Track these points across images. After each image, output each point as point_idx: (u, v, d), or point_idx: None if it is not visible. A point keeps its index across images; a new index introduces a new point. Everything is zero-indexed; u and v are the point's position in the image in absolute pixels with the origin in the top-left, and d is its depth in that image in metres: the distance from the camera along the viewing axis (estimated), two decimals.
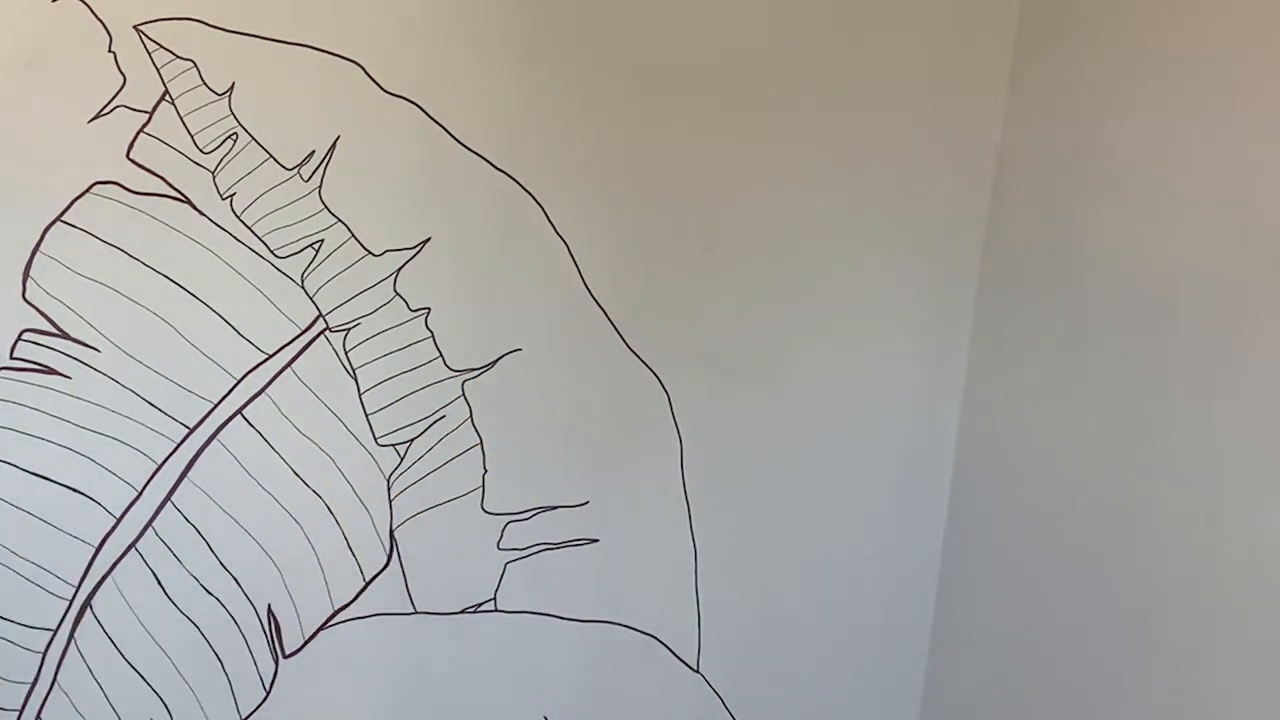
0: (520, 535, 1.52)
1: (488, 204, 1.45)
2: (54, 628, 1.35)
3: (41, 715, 1.35)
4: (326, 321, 1.40)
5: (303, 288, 1.38)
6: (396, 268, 1.42)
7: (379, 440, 1.43)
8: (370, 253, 1.40)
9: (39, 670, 1.35)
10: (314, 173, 1.36)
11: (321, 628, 1.44)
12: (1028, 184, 1.66)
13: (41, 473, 1.33)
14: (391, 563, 1.46)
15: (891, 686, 1.77)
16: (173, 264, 1.32)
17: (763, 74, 1.56)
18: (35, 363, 1.31)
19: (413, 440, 1.45)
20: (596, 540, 1.57)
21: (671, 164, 1.53)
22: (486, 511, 1.50)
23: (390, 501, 1.45)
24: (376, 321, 1.42)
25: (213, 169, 1.32)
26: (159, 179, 1.31)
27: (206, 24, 1.29)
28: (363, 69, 1.36)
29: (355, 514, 1.44)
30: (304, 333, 1.39)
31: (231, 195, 1.33)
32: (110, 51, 1.26)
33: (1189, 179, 1.43)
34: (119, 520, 1.35)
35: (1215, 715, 1.36)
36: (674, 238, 1.55)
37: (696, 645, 1.64)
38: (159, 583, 1.37)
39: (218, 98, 1.31)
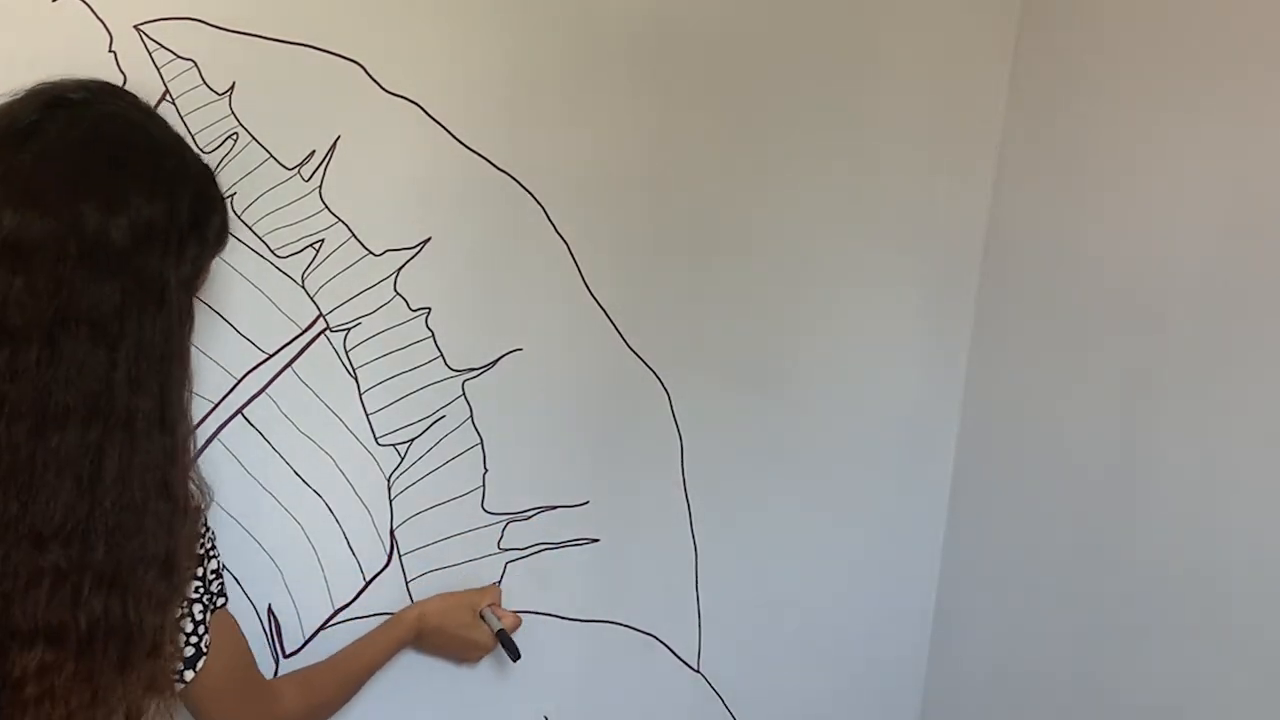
0: (521, 535, 1.52)
1: (488, 204, 1.45)
2: None
3: None
4: (327, 321, 1.40)
5: (303, 287, 1.38)
6: (396, 268, 1.41)
7: (379, 440, 1.43)
8: (370, 252, 1.40)
9: None
10: (314, 173, 1.36)
11: (321, 628, 1.44)
12: (1028, 184, 1.66)
13: None
14: (391, 563, 1.46)
15: (891, 686, 1.77)
16: None
17: (762, 74, 1.56)
18: None
19: (413, 440, 1.45)
20: (597, 540, 1.57)
21: (672, 163, 1.53)
22: (487, 511, 1.50)
23: (390, 501, 1.45)
24: (377, 321, 1.42)
25: (213, 169, 1.31)
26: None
27: (207, 24, 1.29)
28: (363, 69, 1.36)
29: (355, 514, 1.44)
30: (304, 332, 1.39)
31: (231, 195, 1.33)
32: (110, 51, 1.26)
33: (1190, 179, 1.43)
34: None
35: (1217, 716, 1.36)
36: (674, 237, 1.55)
37: (697, 645, 1.64)
38: None
39: (218, 98, 1.31)
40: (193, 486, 1.10)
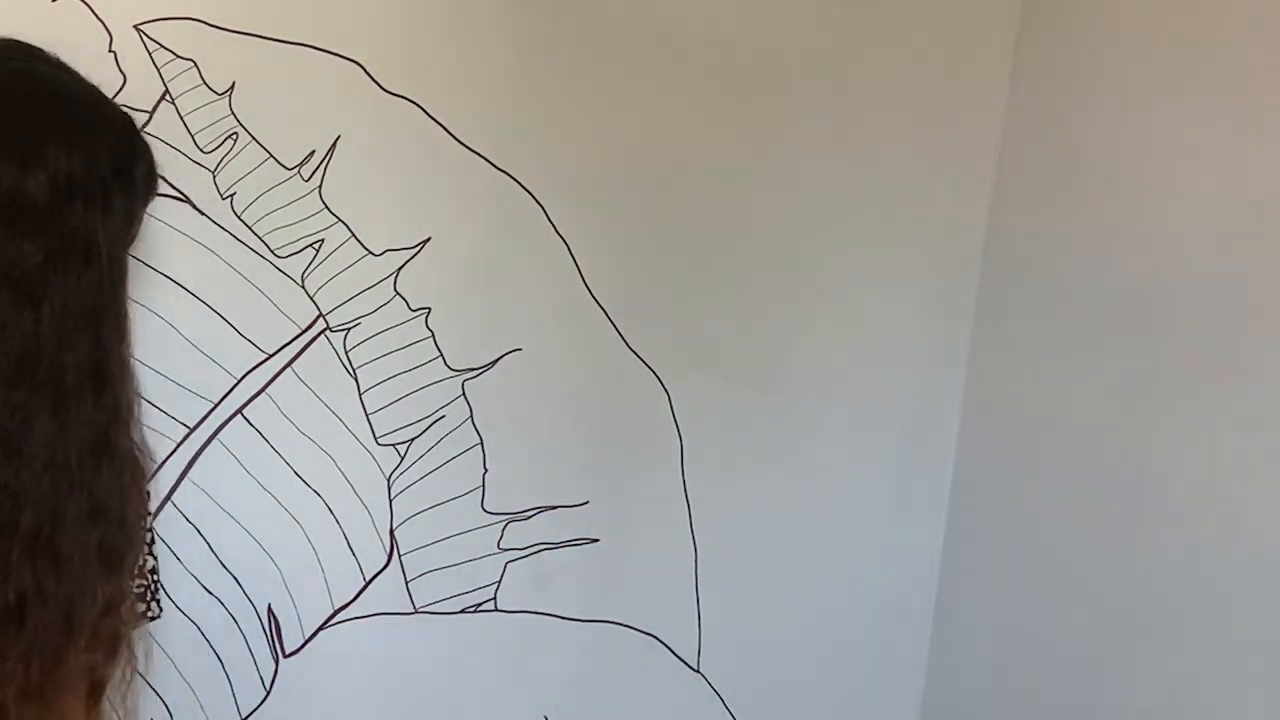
0: (520, 535, 1.52)
1: (488, 204, 1.45)
2: None
3: None
4: (327, 321, 1.40)
5: (303, 287, 1.38)
6: (396, 268, 1.42)
7: (379, 440, 1.43)
8: (370, 252, 1.40)
9: None
10: (314, 172, 1.36)
11: (321, 628, 1.44)
12: (1028, 184, 1.66)
13: None
14: (391, 563, 1.46)
15: (891, 686, 1.77)
16: (172, 264, 1.32)
17: (763, 74, 1.56)
18: None
19: (413, 440, 1.45)
20: (597, 540, 1.57)
21: (672, 164, 1.53)
22: (487, 511, 1.50)
23: (390, 501, 1.45)
24: (376, 321, 1.41)
25: (213, 169, 1.32)
26: (159, 179, 1.30)
27: (207, 24, 1.29)
28: (363, 69, 1.36)
29: (355, 514, 1.44)
30: (304, 332, 1.39)
31: (232, 195, 1.33)
32: (110, 51, 1.26)
33: (1190, 179, 1.43)
34: None
35: (1218, 716, 1.36)
36: (674, 237, 1.55)
37: (696, 645, 1.64)
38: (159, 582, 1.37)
39: (218, 97, 1.31)
40: (136, 450, 1.04)
